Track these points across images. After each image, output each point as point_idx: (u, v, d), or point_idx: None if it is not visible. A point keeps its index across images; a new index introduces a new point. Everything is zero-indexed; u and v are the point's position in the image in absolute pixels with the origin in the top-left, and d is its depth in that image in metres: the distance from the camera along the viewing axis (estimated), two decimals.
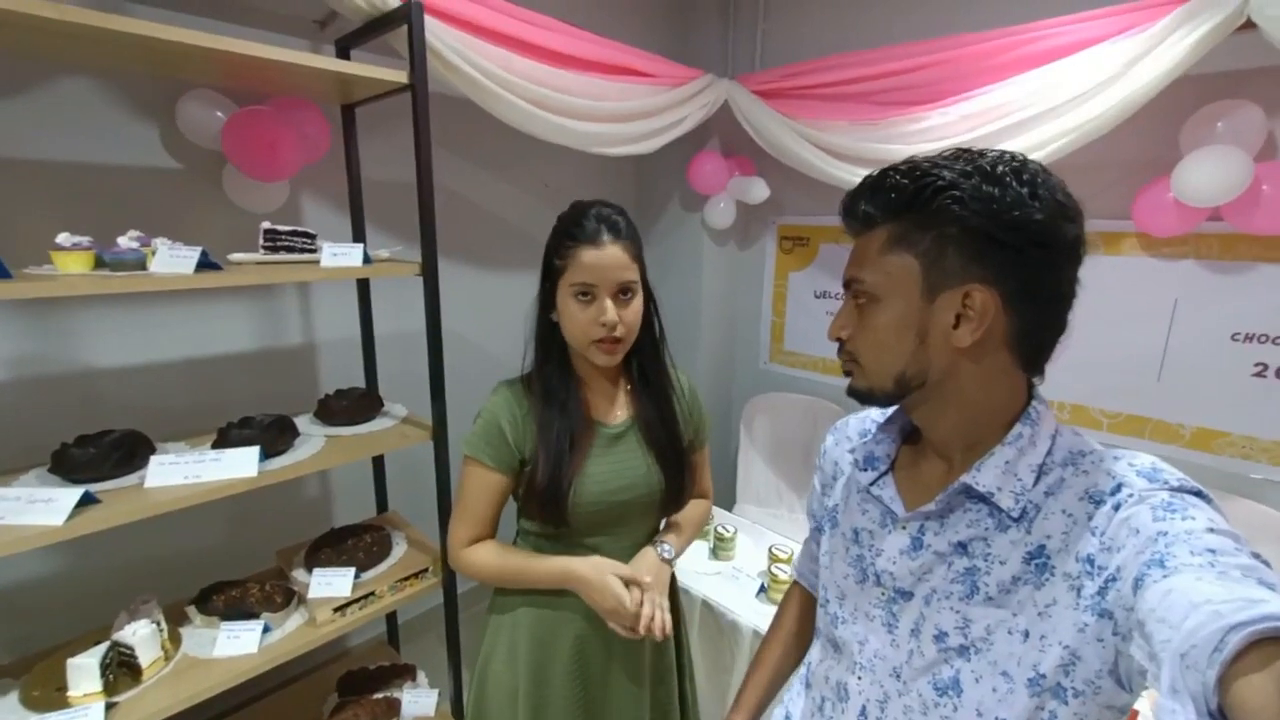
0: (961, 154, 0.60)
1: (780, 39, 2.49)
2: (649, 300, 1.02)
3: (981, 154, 0.59)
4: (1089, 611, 0.54)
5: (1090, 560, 0.55)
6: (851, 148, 2.06)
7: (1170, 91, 1.53)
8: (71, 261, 1.08)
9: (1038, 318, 0.60)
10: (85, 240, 1.10)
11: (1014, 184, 0.56)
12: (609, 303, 0.94)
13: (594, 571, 0.97)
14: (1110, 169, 1.87)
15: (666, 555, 1.06)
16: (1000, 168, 0.57)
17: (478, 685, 1.11)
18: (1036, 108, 1.69)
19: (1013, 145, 1.73)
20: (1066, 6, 1.68)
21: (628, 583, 0.97)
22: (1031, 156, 1.86)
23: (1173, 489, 0.54)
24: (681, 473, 1.06)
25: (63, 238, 1.08)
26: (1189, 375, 1.86)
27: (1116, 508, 0.55)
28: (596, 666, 1.07)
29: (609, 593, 0.94)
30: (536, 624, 1.05)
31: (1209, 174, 1.56)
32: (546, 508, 0.99)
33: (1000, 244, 0.56)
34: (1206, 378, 1.83)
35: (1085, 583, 0.55)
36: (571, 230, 0.95)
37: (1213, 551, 0.46)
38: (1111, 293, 1.94)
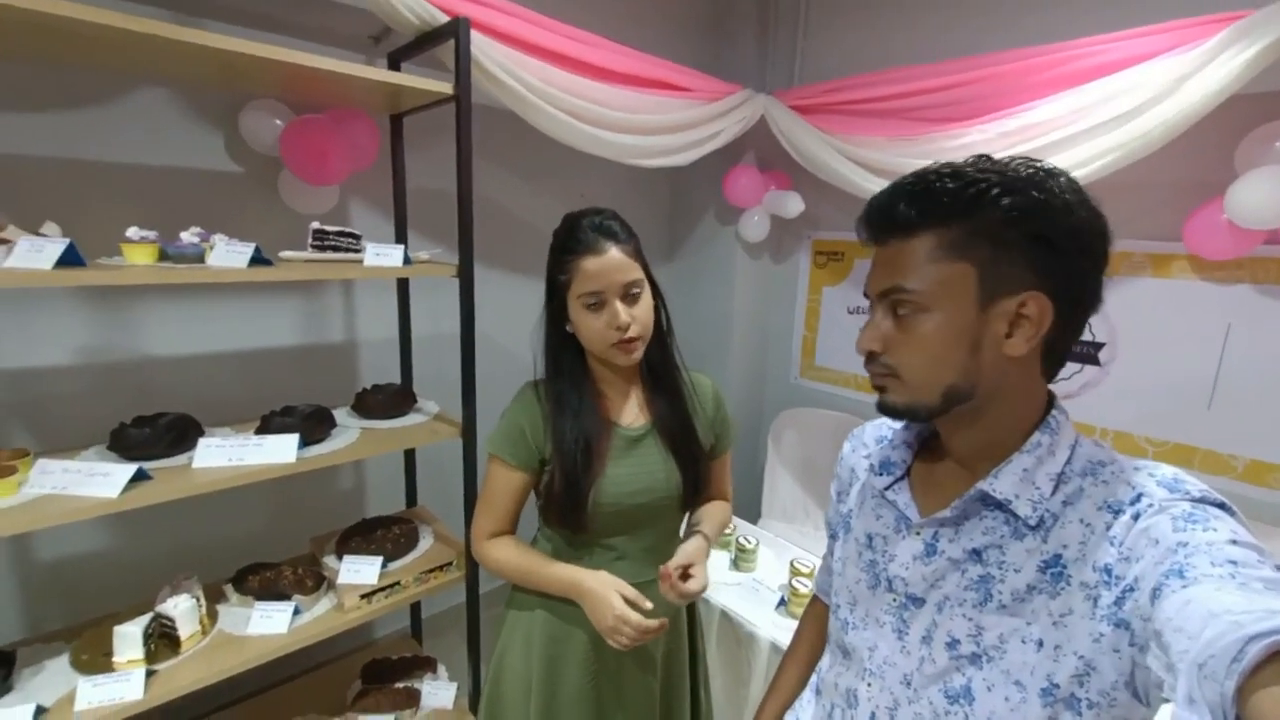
0: (987, 158, 0.60)
1: (819, 55, 2.51)
2: (656, 295, 1.03)
3: (1009, 161, 0.59)
4: (1105, 622, 0.53)
5: (1108, 570, 0.54)
6: (889, 163, 2.05)
7: (1223, 109, 1.49)
8: (138, 253, 1.17)
9: (1073, 326, 0.60)
10: (152, 234, 1.19)
11: (1057, 189, 0.56)
12: (619, 305, 0.96)
13: (599, 586, 0.97)
14: (1159, 189, 1.82)
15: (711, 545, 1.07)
16: (1039, 174, 0.57)
17: (493, 678, 1.13)
18: (1079, 125, 1.66)
19: (1054, 162, 1.70)
20: (1112, 24, 1.65)
21: (633, 603, 0.95)
22: (1075, 175, 1.83)
23: (1194, 500, 0.53)
24: (698, 472, 1.07)
25: (132, 231, 1.17)
26: (1243, 404, 1.77)
27: (1136, 518, 0.54)
28: (610, 666, 1.07)
29: (610, 608, 0.94)
30: (552, 621, 1.07)
31: (1266, 195, 1.50)
32: (566, 516, 1.01)
33: (1054, 250, 0.56)
34: (1262, 407, 1.75)
35: (1102, 593, 0.54)
36: (569, 244, 0.97)
37: (1234, 563, 0.45)
38: (1159, 316, 1.88)
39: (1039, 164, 0.58)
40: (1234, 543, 0.47)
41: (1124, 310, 1.94)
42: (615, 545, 1.05)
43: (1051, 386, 0.65)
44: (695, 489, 1.08)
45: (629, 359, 0.99)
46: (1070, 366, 2.04)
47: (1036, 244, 0.56)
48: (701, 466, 1.08)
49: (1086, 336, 2.00)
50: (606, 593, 0.95)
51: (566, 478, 0.99)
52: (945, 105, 1.95)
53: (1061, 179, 0.57)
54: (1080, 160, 1.66)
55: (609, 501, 1.01)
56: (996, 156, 0.61)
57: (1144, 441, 1.95)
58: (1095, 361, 2.00)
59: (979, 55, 1.86)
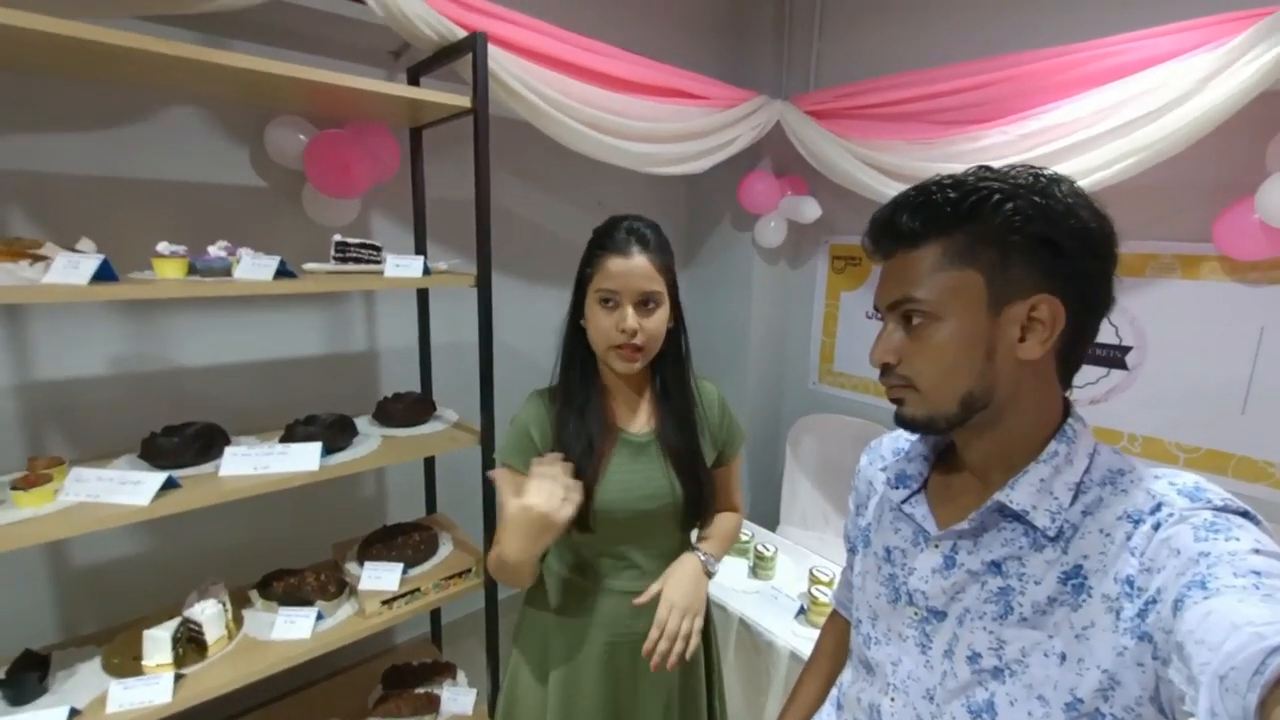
0: (987, 169, 0.60)
1: (835, 59, 2.50)
2: (678, 318, 1.04)
3: (1010, 169, 0.59)
4: (1128, 634, 0.52)
5: (1129, 581, 0.53)
6: (906, 167, 2.04)
7: (1254, 107, 1.46)
8: (168, 267, 1.20)
9: (1087, 328, 0.60)
10: (181, 249, 1.22)
11: (1059, 194, 0.57)
12: (630, 310, 0.96)
13: (512, 510, 0.86)
14: (1187, 189, 1.78)
15: (712, 568, 1.05)
16: (1040, 180, 0.57)
17: (508, 688, 1.13)
18: (1103, 126, 1.63)
19: (1077, 164, 1.68)
20: (1134, 23, 1.62)
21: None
22: (1097, 176, 1.77)
23: (1216, 508, 0.52)
24: (700, 486, 1.06)
25: (162, 246, 1.21)
26: (1279, 409, 1.72)
27: (1156, 527, 0.53)
28: (625, 679, 1.07)
29: (515, 507, 0.85)
30: (565, 634, 1.07)
31: None
32: None
33: (1061, 252, 0.56)
34: None
35: (1124, 605, 0.53)
36: (602, 241, 0.99)
37: (1258, 574, 0.44)
38: (1189, 319, 1.83)
39: (1040, 170, 0.59)
40: (1257, 552, 0.47)
41: (1152, 313, 1.89)
42: (625, 553, 1.05)
43: (1077, 392, 0.64)
44: (698, 503, 1.07)
45: (627, 366, 0.99)
46: (1096, 371, 2.00)
47: (1042, 247, 0.56)
48: (705, 483, 1.07)
49: (1113, 340, 1.96)
50: (511, 501, 0.86)
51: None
52: (964, 108, 1.93)
53: (1063, 184, 0.58)
54: (1105, 161, 1.63)
55: (614, 507, 1.01)
56: (1009, 161, 0.61)
57: (1174, 448, 1.90)
58: (1123, 365, 1.95)
59: (998, 56, 1.84)
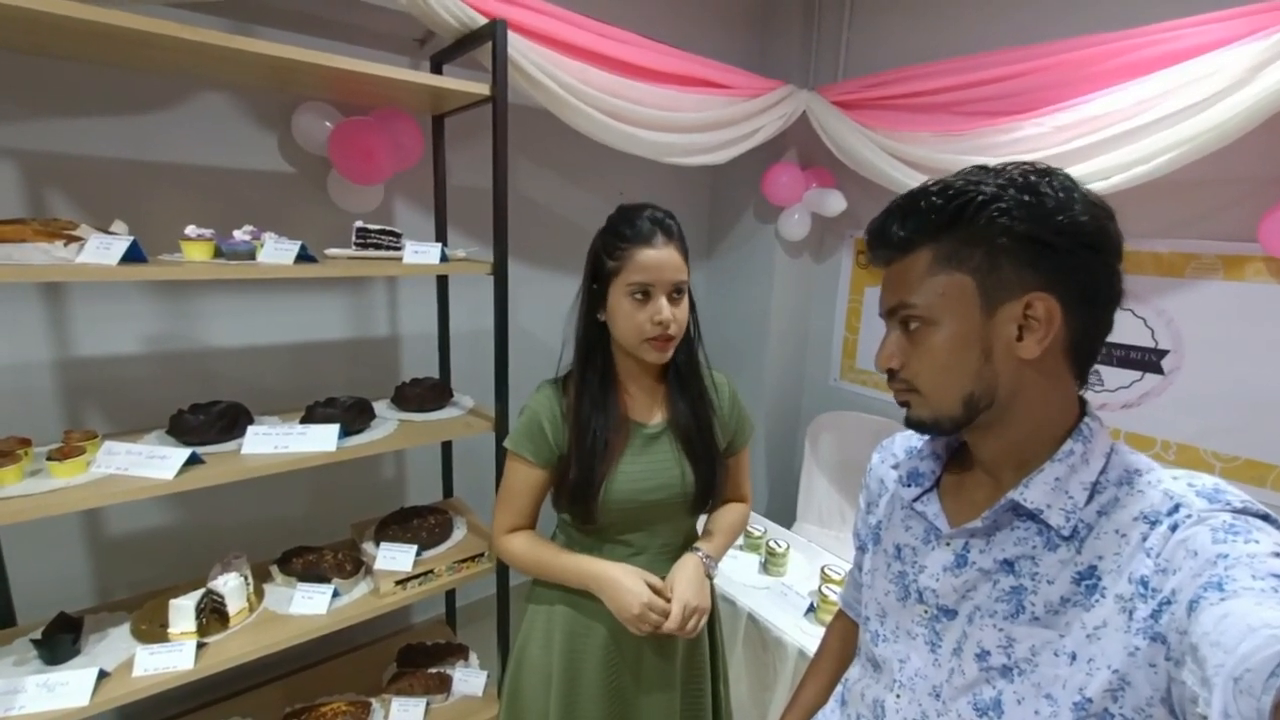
0: (981, 169, 0.60)
1: (865, 49, 2.44)
2: (690, 301, 1.04)
3: (1002, 168, 0.59)
4: (1141, 635, 0.51)
5: (1144, 582, 0.52)
6: (934, 160, 1.99)
7: None
8: (195, 250, 1.24)
9: (1093, 321, 0.59)
10: (208, 232, 1.26)
11: (1049, 190, 0.56)
12: (664, 301, 0.96)
13: (625, 575, 0.97)
14: (1232, 185, 1.70)
15: (711, 571, 1.06)
16: (1031, 177, 0.57)
17: (514, 668, 1.15)
18: (1144, 118, 1.57)
19: (1115, 157, 1.62)
20: (1181, 10, 1.55)
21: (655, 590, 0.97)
22: (1136, 170, 1.70)
23: (1235, 510, 0.50)
24: (714, 475, 1.06)
25: (190, 229, 1.24)
26: None
27: (1173, 528, 0.52)
28: (629, 661, 1.08)
29: (638, 596, 0.94)
30: (572, 615, 1.08)
31: None
32: (576, 504, 1.02)
33: (1052, 249, 0.56)
34: None
35: (1138, 605, 0.52)
36: (625, 231, 0.97)
37: (1277, 576, 0.43)
38: (1230, 322, 1.76)
39: (1033, 166, 0.58)
40: (1277, 555, 0.45)
41: (1191, 315, 1.82)
42: (631, 541, 1.06)
43: (1109, 396, 0.63)
44: (709, 490, 1.07)
45: (660, 356, 0.99)
46: (1129, 374, 1.93)
47: (1031, 246, 0.56)
48: (718, 468, 1.07)
49: (1149, 343, 1.89)
50: (636, 582, 0.96)
51: (581, 467, 1.00)
52: (998, 98, 1.88)
53: (1055, 179, 0.57)
54: (1144, 155, 1.57)
55: (623, 497, 1.01)
56: (1044, 154, 0.60)
57: (1210, 456, 1.83)
58: (1158, 370, 1.88)
59: (1034, 45, 1.78)
